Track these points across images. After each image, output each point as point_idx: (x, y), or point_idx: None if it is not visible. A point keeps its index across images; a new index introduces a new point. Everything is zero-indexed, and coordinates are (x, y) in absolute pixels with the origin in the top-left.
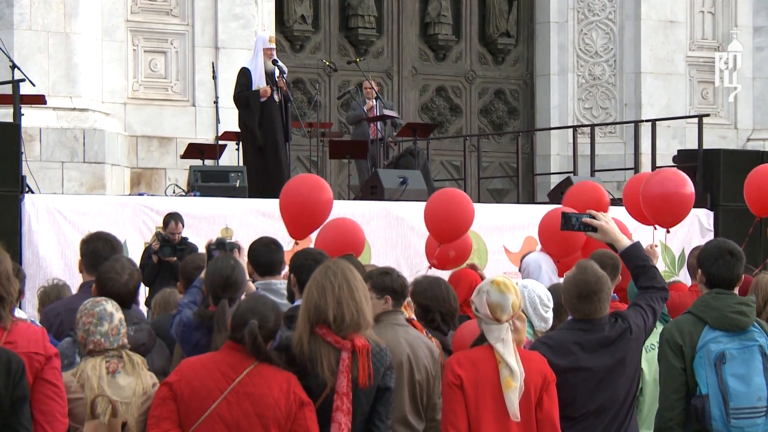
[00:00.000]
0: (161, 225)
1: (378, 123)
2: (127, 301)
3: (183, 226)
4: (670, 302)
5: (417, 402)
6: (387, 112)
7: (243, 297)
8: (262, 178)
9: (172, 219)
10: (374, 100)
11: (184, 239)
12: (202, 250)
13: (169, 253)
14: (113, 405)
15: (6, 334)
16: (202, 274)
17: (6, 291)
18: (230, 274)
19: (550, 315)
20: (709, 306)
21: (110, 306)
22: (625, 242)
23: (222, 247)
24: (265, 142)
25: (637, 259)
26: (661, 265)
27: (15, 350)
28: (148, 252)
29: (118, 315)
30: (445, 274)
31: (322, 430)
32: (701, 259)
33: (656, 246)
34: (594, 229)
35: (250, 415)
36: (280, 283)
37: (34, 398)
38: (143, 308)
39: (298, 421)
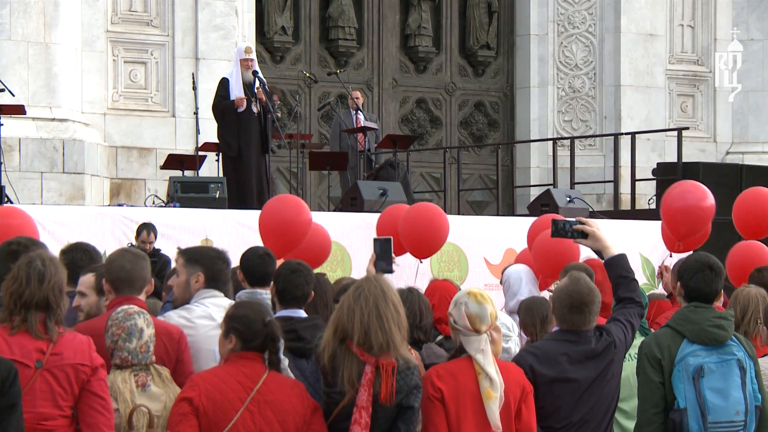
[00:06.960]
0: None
1: (366, 134)
2: None
3: (156, 236)
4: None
5: None
6: (368, 123)
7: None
8: (241, 189)
9: (145, 228)
10: (357, 112)
11: (157, 250)
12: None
13: None
14: (150, 416)
15: (51, 346)
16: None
17: (56, 303)
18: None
19: (511, 344)
20: (687, 320)
21: (141, 321)
22: (613, 251)
23: None
24: (239, 153)
25: (621, 269)
26: (641, 278)
27: (61, 362)
28: None
29: (149, 331)
30: None
31: None
32: (681, 273)
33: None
34: (585, 235)
35: (273, 422)
36: (266, 293)
37: (80, 410)
38: None
39: (313, 426)
